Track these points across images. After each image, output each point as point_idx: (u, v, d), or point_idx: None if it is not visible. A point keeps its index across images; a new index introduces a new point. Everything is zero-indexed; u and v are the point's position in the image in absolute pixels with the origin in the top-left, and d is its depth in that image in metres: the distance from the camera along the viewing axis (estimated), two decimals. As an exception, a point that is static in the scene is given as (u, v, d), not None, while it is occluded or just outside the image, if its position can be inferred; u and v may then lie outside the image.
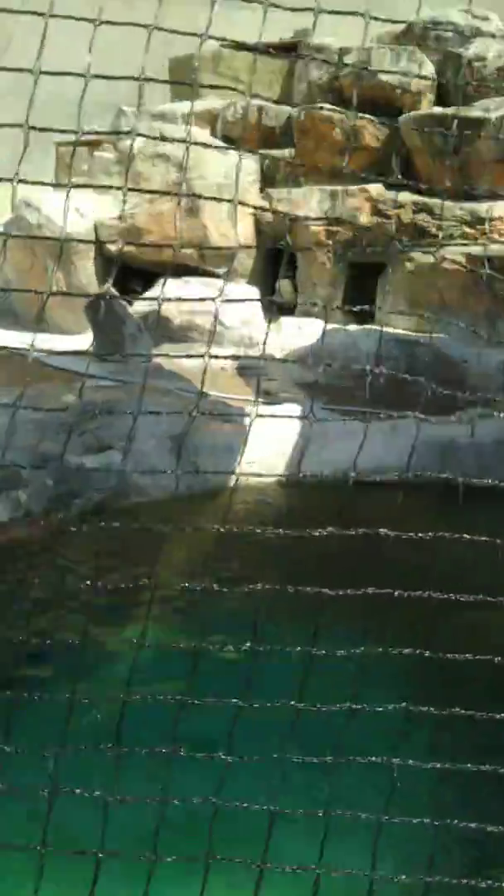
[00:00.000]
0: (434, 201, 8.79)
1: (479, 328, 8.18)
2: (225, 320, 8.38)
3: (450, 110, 9.02)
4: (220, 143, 9.24)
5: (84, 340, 8.03)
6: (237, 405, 6.87)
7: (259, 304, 8.98)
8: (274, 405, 6.93)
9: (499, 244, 8.64)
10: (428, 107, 9.42)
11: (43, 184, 2.00)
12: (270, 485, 6.12)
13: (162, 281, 8.29)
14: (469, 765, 1.79)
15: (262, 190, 9.57)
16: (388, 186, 9.03)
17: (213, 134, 9.78)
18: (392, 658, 1.83)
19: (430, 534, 1.74)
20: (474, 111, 8.84)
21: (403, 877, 1.76)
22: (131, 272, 8.81)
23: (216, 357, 1.78)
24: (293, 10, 1.96)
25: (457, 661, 1.75)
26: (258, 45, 2.29)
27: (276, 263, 9.77)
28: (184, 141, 1.90)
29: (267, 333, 7.73)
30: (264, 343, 7.36)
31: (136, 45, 2.05)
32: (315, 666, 1.74)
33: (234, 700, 1.75)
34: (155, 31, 1.98)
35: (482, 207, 8.78)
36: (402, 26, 9.90)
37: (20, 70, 1.87)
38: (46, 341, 7.33)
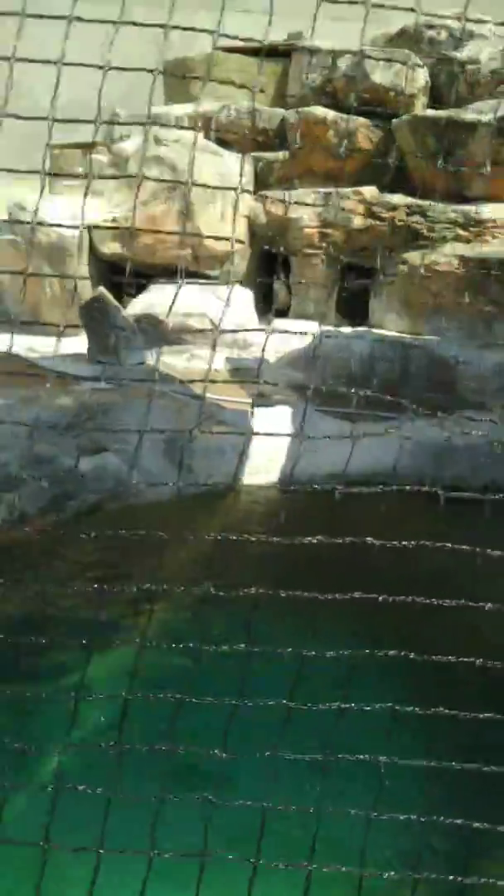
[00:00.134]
0: (427, 203, 8.83)
1: (473, 330, 8.22)
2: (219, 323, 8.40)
3: (443, 113, 9.05)
4: (215, 146, 9.28)
5: (78, 343, 8.04)
6: (231, 407, 6.89)
7: (253, 306, 9.02)
8: (267, 407, 6.95)
9: (492, 246, 8.68)
10: (421, 109, 9.46)
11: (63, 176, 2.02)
12: (265, 487, 6.14)
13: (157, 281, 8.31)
14: (453, 763, 1.82)
15: (255, 192, 9.60)
16: (382, 188, 9.08)
17: (207, 136, 9.80)
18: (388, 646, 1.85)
19: (412, 542, 1.76)
20: (468, 114, 8.87)
21: (392, 873, 1.79)
22: (124, 274, 8.83)
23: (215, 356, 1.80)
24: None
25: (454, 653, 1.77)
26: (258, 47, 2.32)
27: (269, 266, 9.80)
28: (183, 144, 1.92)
29: (267, 338, 7.75)
30: (263, 347, 7.39)
31: (131, 48, 2.08)
32: (310, 666, 1.76)
33: (228, 700, 1.77)
34: (149, 35, 2.00)
35: (475, 209, 8.82)
36: (395, 29, 9.96)
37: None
38: (41, 344, 7.36)
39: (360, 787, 2.01)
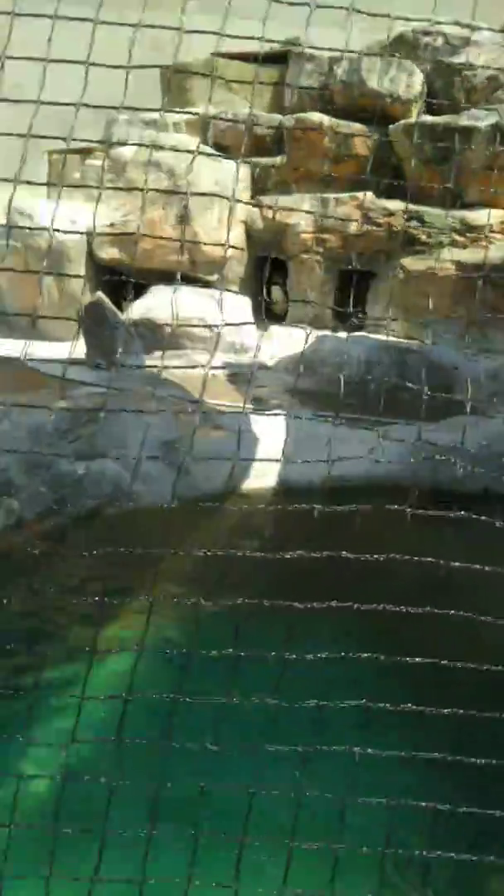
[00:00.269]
0: (424, 209, 8.87)
1: (470, 335, 8.25)
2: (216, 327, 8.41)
3: (440, 119, 9.10)
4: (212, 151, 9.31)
5: (76, 347, 8.05)
6: (229, 412, 6.90)
7: (250, 310, 9.04)
8: (265, 411, 6.96)
9: (489, 251, 8.71)
10: (418, 115, 9.49)
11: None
12: (262, 491, 6.15)
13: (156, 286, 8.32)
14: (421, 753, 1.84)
15: (252, 197, 9.63)
16: (379, 194, 9.12)
17: (205, 142, 9.83)
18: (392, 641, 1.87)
19: (392, 555, 1.78)
20: (464, 120, 8.91)
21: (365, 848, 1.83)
22: (122, 279, 8.84)
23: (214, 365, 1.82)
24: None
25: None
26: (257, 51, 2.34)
27: (266, 270, 9.83)
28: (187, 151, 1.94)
29: (258, 344, 7.77)
30: (255, 353, 7.40)
31: (133, 53, 2.09)
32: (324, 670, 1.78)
33: (219, 699, 1.79)
34: (146, 39, 2.02)
35: (472, 215, 8.86)
36: (392, 35, 9.98)
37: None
38: (39, 348, 7.35)
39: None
